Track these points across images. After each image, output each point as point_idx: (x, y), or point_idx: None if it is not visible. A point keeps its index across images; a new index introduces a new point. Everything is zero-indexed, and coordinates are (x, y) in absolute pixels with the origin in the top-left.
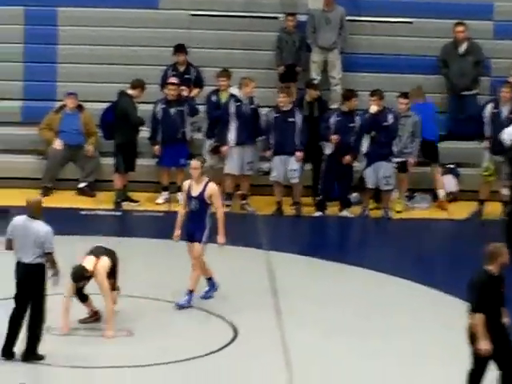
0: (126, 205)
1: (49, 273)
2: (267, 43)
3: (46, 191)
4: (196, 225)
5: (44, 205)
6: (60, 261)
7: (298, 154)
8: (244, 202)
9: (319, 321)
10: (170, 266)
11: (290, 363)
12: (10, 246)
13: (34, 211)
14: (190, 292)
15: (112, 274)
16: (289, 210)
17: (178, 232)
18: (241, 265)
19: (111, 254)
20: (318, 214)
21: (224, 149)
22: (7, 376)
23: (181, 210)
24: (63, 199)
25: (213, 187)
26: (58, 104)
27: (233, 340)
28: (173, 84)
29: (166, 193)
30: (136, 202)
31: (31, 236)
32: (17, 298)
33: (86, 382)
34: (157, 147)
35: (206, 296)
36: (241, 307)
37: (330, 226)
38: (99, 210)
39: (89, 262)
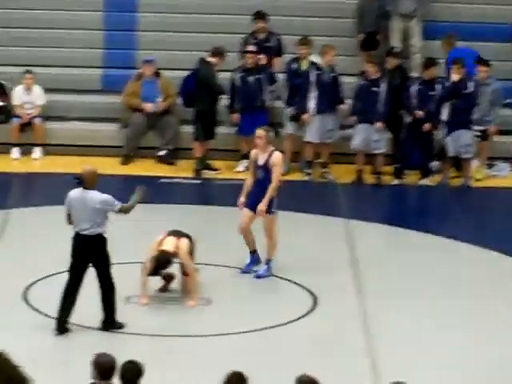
0: (206, 173)
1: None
2: (347, 11)
3: (127, 159)
4: (262, 195)
5: (123, 173)
6: (138, 230)
7: (379, 124)
8: (324, 170)
9: (399, 291)
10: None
11: (369, 334)
12: (70, 220)
13: (89, 182)
14: (268, 261)
15: (190, 255)
16: (368, 179)
17: (242, 199)
18: (320, 233)
19: (189, 237)
20: (395, 181)
21: (305, 117)
22: (87, 345)
23: (248, 178)
24: (143, 167)
25: (277, 156)
26: (137, 72)
27: (312, 309)
28: (251, 52)
29: (246, 161)
30: (216, 170)
31: (88, 207)
32: (72, 269)
33: (167, 351)
34: (235, 115)
35: (247, 270)
36: (321, 276)
37: (410, 195)
38: (179, 178)
39: (169, 244)
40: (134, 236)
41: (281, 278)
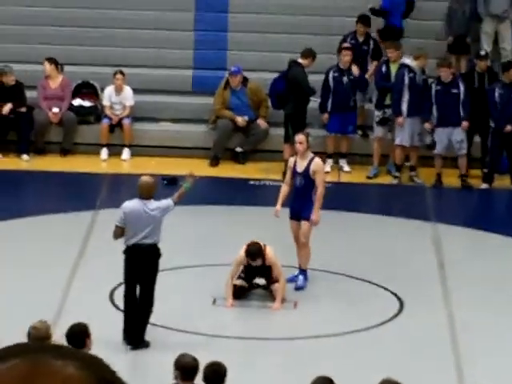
0: None
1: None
2: (437, 13)
3: (215, 161)
4: (302, 202)
5: (209, 174)
6: (225, 231)
7: (465, 123)
8: (413, 173)
9: (486, 297)
10: (332, 235)
11: (455, 339)
12: (120, 233)
13: (147, 192)
14: (303, 271)
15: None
16: (455, 182)
17: (278, 207)
18: (407, 236)
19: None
20: (484, 186)
21: (399, 120)
22: (170, 346)
23: (284, 186)
24: (231, 169)
25: (317, 163)
26: (224, 78)
27: (399, 313)
28: (347, 49)
29: (331, 160)
30: None
31: (149, 217)
32: (129, 280)
33: (253, 354)
34: (325, 116)
35: (293, 279)
36: (407, 279)
37: (498, 199)
38: (268, 180)
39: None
40: (220, 239)
41: (367, 281)
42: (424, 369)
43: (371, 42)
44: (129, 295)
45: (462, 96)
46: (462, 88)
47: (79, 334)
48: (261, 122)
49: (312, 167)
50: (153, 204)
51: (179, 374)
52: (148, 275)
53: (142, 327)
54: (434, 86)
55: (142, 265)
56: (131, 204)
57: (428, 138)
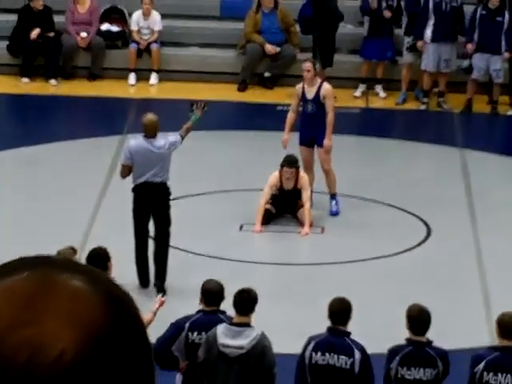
0: None
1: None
2: None
3: (243, 86)
4: (315, 129)
5: (240, 100)
6: (253, 157)
7: (507, 54)
8: (441, 99)
9: None
10: (360, 161)
11: (482, 267)
12: (127, 172)
13: (151, 130)
14: (334, 196)
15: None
16: (484, 108)
17: (286, 136)
18: (436, 163)
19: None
20: (511, 112)
21: (419, 44)
22: (203, 268)
23: (291, 113)
24: (260, 94)
25: (327, 88)
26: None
27: (426, 238)
28: None
29: (364, 85)
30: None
31: (157, 155)
32: (139, 221)
33: (283, 278)
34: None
35: (336, 211)
36: (435, 206)
37: None
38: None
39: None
40: (248, 164)
41: (394, 207)
42: (451, 296)
43: None
44: (140, 236)
45: (505, 25)
46: (507, 16)
47: (100, 257)
48: (296, 52)
49: (322, 92)
50: (159, 141)
51: (204, 299)
52: (161, 215)
53: (163, 274)
54: (479, 10)
55: (152, 203)
56: (137, 142)
57: (455, 64)
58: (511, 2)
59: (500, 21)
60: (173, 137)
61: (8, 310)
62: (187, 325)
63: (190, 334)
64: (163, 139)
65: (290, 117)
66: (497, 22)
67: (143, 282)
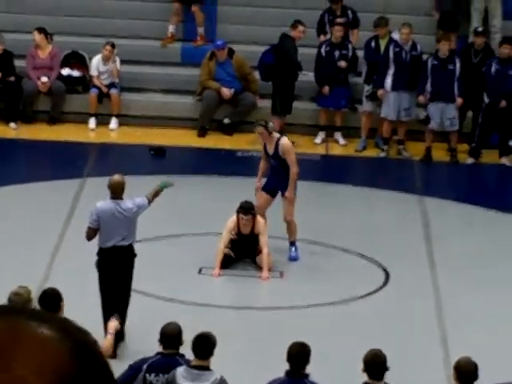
0: None
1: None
2: None
3: (203, 132)
4: (281, 180)
5: (200, 145)
6: (212, 202)
7: (459, 100)
8: (401, 147)
9: (473, 271)
10: (320, 207)
11: (441, 311)
12: (93, 234)
13: (118, 191)
14: (293, 243)
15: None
16: (443, 156)
17: (258, 183)
18: (395, 210)
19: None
20: (470, 160)
21: (380, 93)
22: (161, 311)
23: (262, 162)
24: (219, 140)
25: (284, 144)
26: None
27: (384, 284)
28: (340, 24)
29: (323, 133)
30: (292, 143)
31: (125, 218)
32: (104, 284)
33: (240, 323)
34: (326, 88)
35: (295, 256)
36: (394, 252)
37: (486, 174)
38: (255, 151)
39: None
40: (207, 209)
41: (354, 253)
42: (409, 342)
43: (349, 12)
44: (107, 301)
45: (457, 72)
46: (457, 64)
47: (54, 298)
48: (256, 101)
49: (280, 149)
50: (126, 204)
51: (162, 341)
52: (126, 276)
53: (123, 323)
54: (430, 60)
55: (119, 267)
56: (103, 205)
57: (416, 112)
58: (461, 49)
59: (451, 69)
60: (140, 199)
61: None
62: (145, 366)
63: (147, 375)
64: (131, 202)
65: (261, 165)
66: (448, 70)
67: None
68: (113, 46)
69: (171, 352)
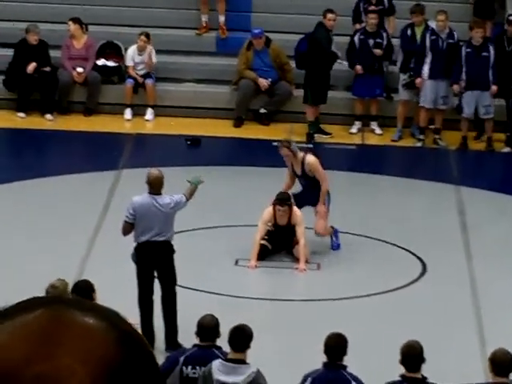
0: (318, 137)
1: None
2: None
3: (239, 122)
4: (309, 197)
5: (236, 135)
6: (248, 193)
7: (494, 88)
8: (437, 136)
9: (508, 258)
10: (356, 197)
11: (478, 302)
12: (130, 230)
13: (157, 186)
14: (335, 231)
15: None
16: (479, 145)
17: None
18: (431, 199)
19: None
20: (507, 149)
21: (418, 81)
22: (198, 303)
23: (287, 179)
24: (256, 130)
25: (310, 162)
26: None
27: (421, 275)
28: (373, 12)
29: (359, 122)
30: (328, 134)
31: (161, 213)
32: (143, 279)
33: (279, 313)
34: (358, 67)
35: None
36: (430, 242)
37: None
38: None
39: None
40: (243, 200)
41: (390, 243)
42: (446, 332)
43: (385, 1)
44: (144, 296)
45: (491, 60)
46: (492, 51)
47: (86, 289)
48: (291, 90)
49: (307, 168)
50: (164, 199)
51: (199, 334)
52: (166, 274)
53: (173, 331)
54: (464, 48)
55: (156, 263)
56: (140, 199)
57: (452, 101)
58: (495, 37)
59: (486, 56)
60: (178, 196)
61: (23, 345)
62: (182, 359)
63: (184, 368)
64: (169, 197)
65: (287, 181)
66: (483, 57)
67: (148, 338)
68: (147, 36)
69: (208, 344)
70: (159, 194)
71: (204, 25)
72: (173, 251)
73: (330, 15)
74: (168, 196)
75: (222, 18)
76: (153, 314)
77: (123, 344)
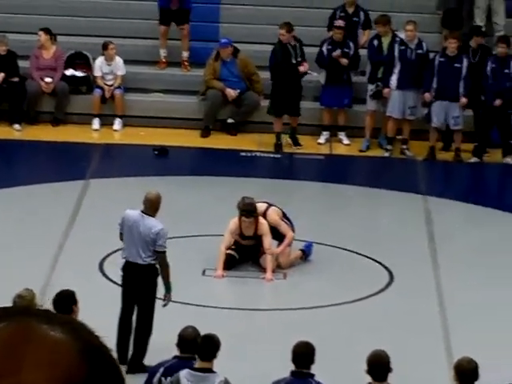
0: (287, 144)
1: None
2: None
3: (206, 132)
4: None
5: (203, 145)
6: (216, 203)
7: (464, 100)
8: (404, 146)
9: (475, 268)
10: (324, 208)
11: (444, 311)
12: (121, 239)
13: (151, 208)
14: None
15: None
16: (446, 156)
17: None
18: (399, 209)
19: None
20: (474, 159)
21: (385, 91)
22: (165, 313)
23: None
24: (223, 140)
25: (270, 220)
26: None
27: (388, 285)
28: (339, 28)
29: (327, 133)
30: (299, 145)
31: (142, 234)
32: (124, 299)
33: (246, 323)
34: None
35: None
36: (397, 252)
37: (489, 173)
38: (258, 151)
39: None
40: (210, 210)
41: (357, 253)
42: (412, 342)
43: (361, 13)
44: (124, 315)
45: (464, 71)
46: (465, 63)
47: (66, 301)
48: (259, 98)
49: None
50: (151, 221)
51: (179, 346)
52: (145, 296)
53: (140, 354)
54: (437, 57)
55: (137, 286)
56: (131, 213)
57: (421, 112)
58: (469, 47)
59: (458, 67)
60: (164, 233)
61: None
62: (161, 369)
63: (163, 378)
64: (156, 224)
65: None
66: (455, 68)
67: (121, 358)
68: (112, 43)
69: (188, 356)
70: (151, 215)
71: (163, 60)
72: (156, 275)
73: (280, 30)
74: (159, 224)
75: (185, 54)
76: (130, 333)
77: (89, 357)
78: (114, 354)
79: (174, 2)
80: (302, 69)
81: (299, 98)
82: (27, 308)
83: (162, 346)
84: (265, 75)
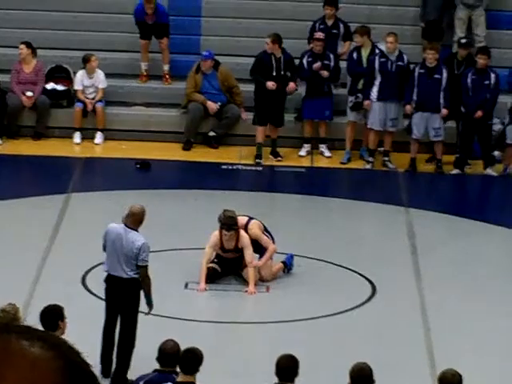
0: (269, 159)
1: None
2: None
3: (188, 145)
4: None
5: (185, 159)
6: (198, 216)
7: (444, 111)
8: (386, 158)
9: (458, 280)
10: (306, 220)
11: (427, 323)
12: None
13: (134, 221)
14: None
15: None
16: (428, 167)
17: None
18: (380, 221)
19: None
20: (455, 171)
21: (366, 103)
22: (148, 327)
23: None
24: (205, 153)
25: (251, 233)
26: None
27: (371, 297)
28: (319, 40)
29: (308, 145)
30: (279, 157)
31: (125, 248)
32: (107, 312)
33: (228, 336)
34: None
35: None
36: (380, 264)
37: (470, 184)
38: (240, 164)
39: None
40: (192, 223)
41: (339, 266)
42: (395, 354)
43: (341, 25)
44: (107, 328)
45: (443, 82)
46: (444, 74)
47: (52, 316)
48: (244, 117)
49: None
50: (134, 235)
51: (159, 359)
52: (127, 309)
53: (123, 367)
54: (417, 69)
55: (120, 299)
56: (114, 226)
57: (402, 123)
58: (444, 59)
59: (438, 78)
60: (147, 248)
61: None
62: (141, 383)
63: None
64: (139, 238)
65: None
66: (435, 79)
67: (105, 371)
68: (93, 56)
69: (168, 370)
70: (134, 229)
71: (144, 73)
72: (139, 288)
73: (266, 39)
74: (141, 238)
75: (166, 67)
76: (114, 346)
77: (69, 374)
78: (95, 370)
79: (150, 16)
80: (287, 89)
81: (282, 108)
82: (7, 325)
83: (142, 360)
84: (246, 88)
